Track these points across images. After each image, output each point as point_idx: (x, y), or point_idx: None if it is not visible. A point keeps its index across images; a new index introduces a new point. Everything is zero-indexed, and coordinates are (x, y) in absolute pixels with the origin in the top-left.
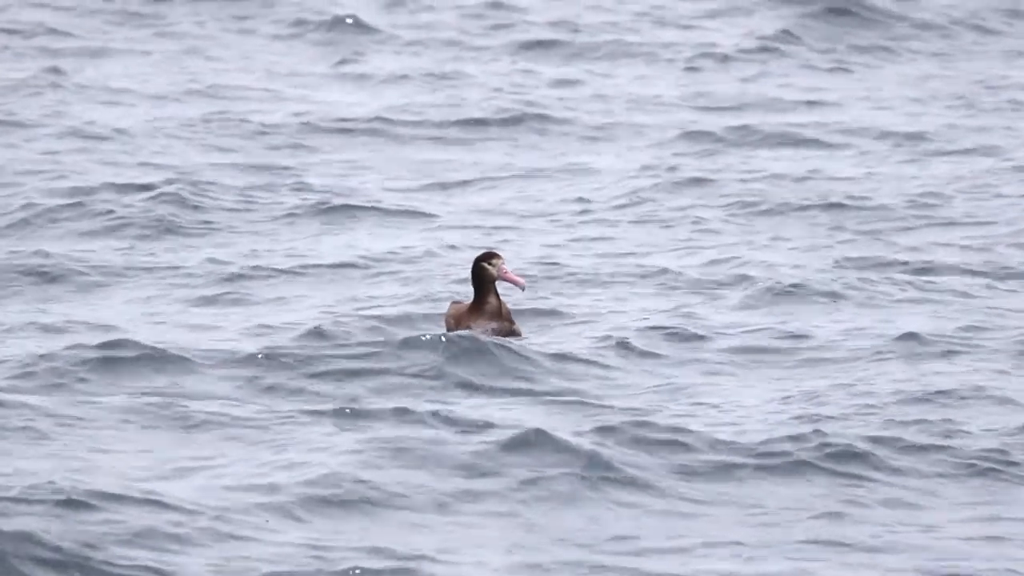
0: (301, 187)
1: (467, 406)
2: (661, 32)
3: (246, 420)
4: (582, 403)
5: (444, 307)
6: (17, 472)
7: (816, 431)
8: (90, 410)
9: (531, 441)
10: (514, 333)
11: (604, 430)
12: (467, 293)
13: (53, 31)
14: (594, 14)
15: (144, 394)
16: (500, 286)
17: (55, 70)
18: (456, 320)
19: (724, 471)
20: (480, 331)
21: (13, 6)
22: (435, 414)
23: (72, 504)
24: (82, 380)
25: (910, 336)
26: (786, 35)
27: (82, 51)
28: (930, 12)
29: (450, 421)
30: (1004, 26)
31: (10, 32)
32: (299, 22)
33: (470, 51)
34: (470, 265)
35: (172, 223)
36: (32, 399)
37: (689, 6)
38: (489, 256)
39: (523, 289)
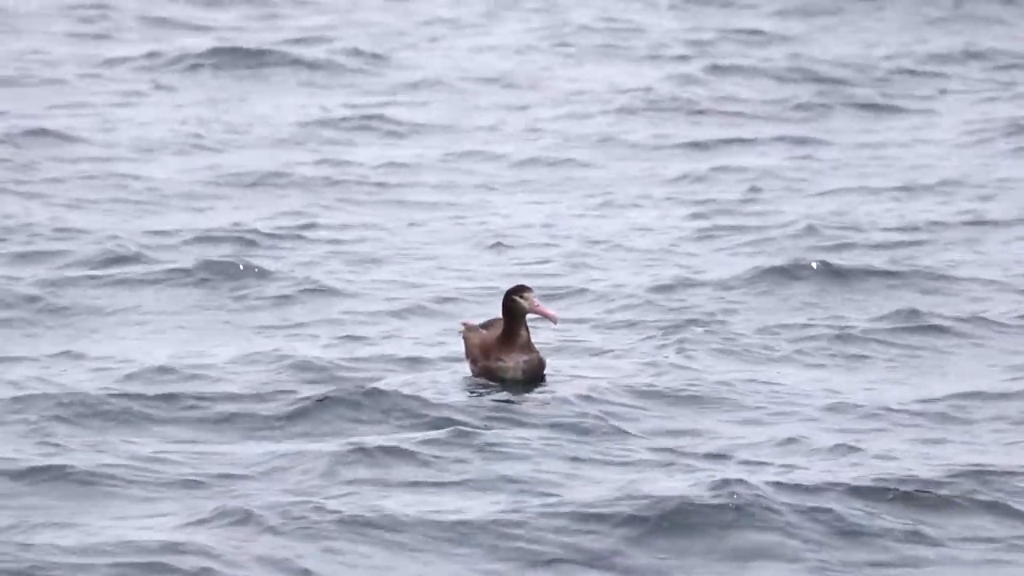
0: (323, 238)
1: (479, 472)
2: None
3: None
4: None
5: (461, 346)
6: None
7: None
8: (72, 459)
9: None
10: (542, 364)
11: (614, 501)
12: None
13: (72, 98)
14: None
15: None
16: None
17: (82, 125)
18: (484, 353)
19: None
20: (512, 364)
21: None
22: (445, 481)
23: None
24: (46, 420)
25: (916, 397)
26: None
27: (117, 105)
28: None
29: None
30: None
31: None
32: (320, 78)
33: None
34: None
35: (192, 276)
36: None
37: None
38: (520, 289)
39: (555, 322)
